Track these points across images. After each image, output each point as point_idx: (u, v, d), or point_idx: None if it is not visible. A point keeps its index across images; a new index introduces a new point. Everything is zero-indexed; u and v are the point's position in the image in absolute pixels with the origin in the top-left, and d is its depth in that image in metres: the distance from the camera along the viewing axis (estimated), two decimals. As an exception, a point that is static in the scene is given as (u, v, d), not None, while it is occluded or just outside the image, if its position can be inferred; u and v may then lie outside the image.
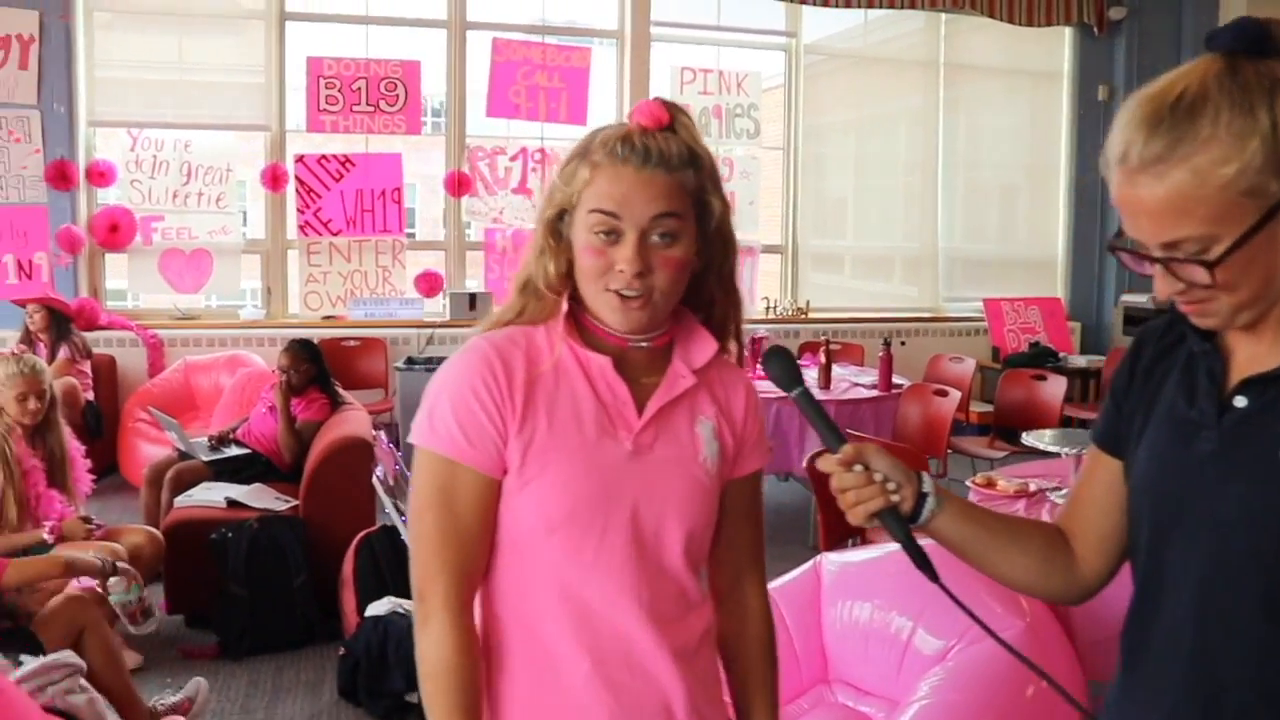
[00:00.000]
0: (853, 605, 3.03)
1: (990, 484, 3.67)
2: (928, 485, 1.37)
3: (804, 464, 5.31)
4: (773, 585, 3.19)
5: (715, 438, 1.47)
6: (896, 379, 5.87)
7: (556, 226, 1.42)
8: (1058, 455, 3.56)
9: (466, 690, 1.34)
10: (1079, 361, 8.21)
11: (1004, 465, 4.95)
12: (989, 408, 7.05)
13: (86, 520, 4.03)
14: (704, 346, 1.47)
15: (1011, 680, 2.72)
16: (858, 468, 1.34)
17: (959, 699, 2.68)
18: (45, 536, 3.89)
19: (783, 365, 1.41)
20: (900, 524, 1.35)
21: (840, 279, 9.05)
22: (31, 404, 3.92)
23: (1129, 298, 8.87)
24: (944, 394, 5.29)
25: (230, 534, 4.22)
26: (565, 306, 1.42)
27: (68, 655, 3.02)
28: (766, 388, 1.57)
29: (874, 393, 5.74)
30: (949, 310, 8.89)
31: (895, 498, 1.34)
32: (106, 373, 6.72)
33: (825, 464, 1.36)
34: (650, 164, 1.36)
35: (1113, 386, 1.42)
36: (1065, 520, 1.47)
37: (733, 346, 1.53)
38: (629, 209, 1.35)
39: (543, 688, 1.38)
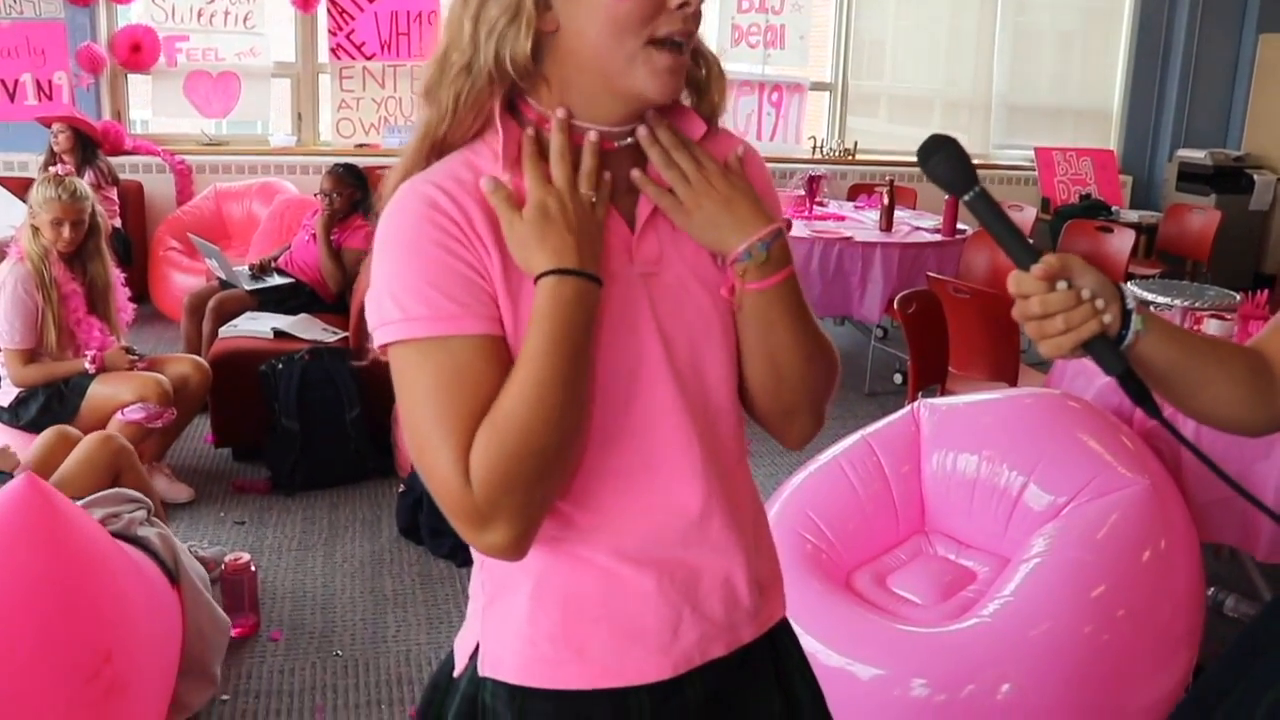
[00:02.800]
0: (956, 456, 2.87)
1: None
2: (1130, 300, 1.13)
3: (864, 310, 5.13)
4: (868, 430, 3.04)
5: None
6: (959, 224, 5.64)
7: None
8: (1167, 308, 3.35)
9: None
10: (1131, 216, 7.91)
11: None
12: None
13: (129, 351, 3.89)
14: (691, 127, 1.15)
15: (1131, 541, 2.58)
16: (1061, 284, 1.10)
17: (1075, 557, 2.54)
18: (87, 366, 3.77)
19: (953, 161, 1.12)
20: (1116, 355, 1.12)
21: (875, 122, 8.67)
22: (66, 231, 3.70)
23: (1185, 152, 8.55)
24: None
25: (280, 365, 4.05)
26: (497, 109, 1.08)
27: (133, 491, 2.88)
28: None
29: (937, 237, 5.52)
30: (998, 158, 8.55)
31: (1107, 318, 1.11)
32: (133, 200, 6.48)
33: (1023, 284, 1.11)
34: None
35: None
36: (1270, 341, 1.28)
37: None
38: None
39: (582, 575, 1.11)
